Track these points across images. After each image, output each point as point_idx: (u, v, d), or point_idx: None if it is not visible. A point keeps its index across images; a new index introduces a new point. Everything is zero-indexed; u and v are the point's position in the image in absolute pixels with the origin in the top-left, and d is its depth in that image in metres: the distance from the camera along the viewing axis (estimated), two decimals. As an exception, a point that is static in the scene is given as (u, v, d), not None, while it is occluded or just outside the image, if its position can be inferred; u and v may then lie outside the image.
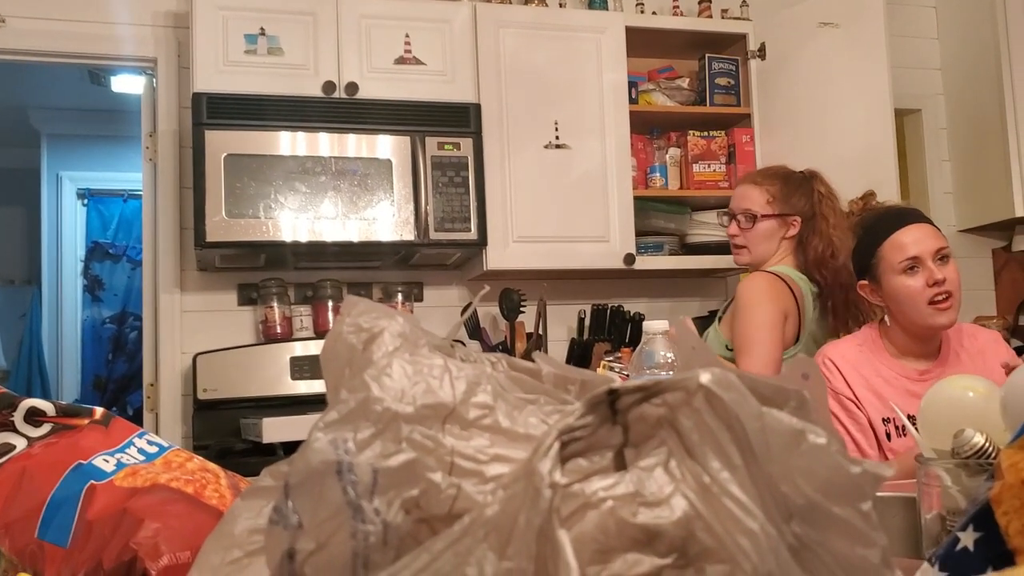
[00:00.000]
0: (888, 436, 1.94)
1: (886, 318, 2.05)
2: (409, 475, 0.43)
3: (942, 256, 1.96)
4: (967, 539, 0.61)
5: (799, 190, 2.42)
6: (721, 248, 3.40)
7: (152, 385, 3.28)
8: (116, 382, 5.59)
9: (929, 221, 2.03)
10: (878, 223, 2.04)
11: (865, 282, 2.04)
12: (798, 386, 0.49)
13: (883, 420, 1.96)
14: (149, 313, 3.33)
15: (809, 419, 0.46)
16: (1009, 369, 1.90)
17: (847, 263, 2.17)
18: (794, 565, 0.40)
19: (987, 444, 0.82)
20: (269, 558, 0.43)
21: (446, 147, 3.14)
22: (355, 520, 0.42)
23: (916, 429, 1.00)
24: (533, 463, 0.39)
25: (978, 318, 4.13)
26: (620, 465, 0.45)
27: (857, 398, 1.98)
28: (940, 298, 1.93)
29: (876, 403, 1.96)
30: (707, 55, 3.67)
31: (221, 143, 2.95)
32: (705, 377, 0.43)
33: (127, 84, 4.38)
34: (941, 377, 1.98)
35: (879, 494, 0.53)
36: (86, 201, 5.76)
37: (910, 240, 1.96)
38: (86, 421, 0.94)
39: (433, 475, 0.44)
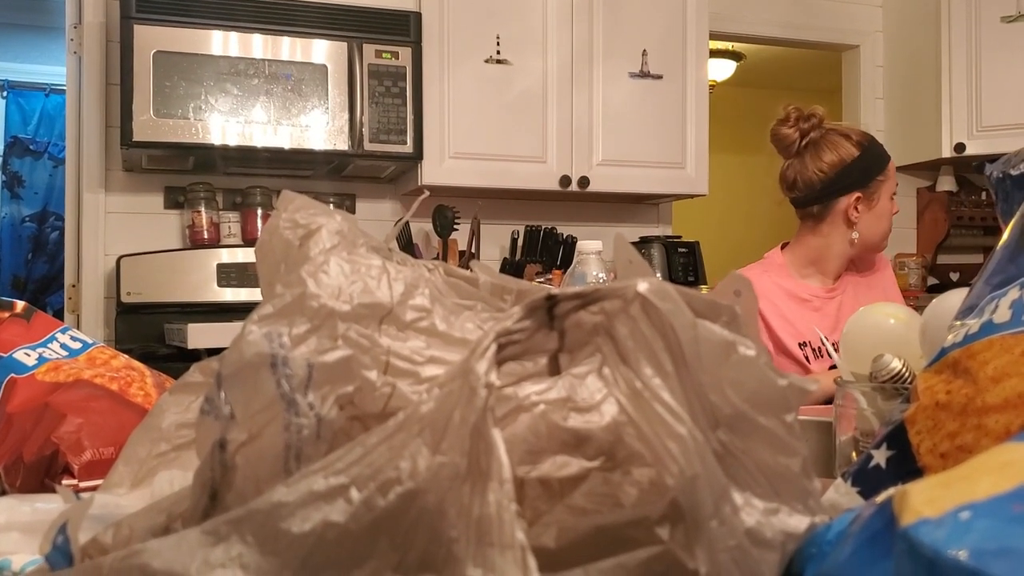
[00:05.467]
0: (807, 359, 2.00)
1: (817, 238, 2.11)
2: (344, 371, 0.43)
3: None
4: (880, 457, 0.63)
5: None
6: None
7: (74, 286, 3.21)
8: (36, 282, 5.46)
9: None
10: (878, 142, 2.13)
11: (860, 194, 2.07)
12: (730, 301, 0.50)
13: (799, 345, 2.01)
14: (72, 213, 3.24)
15: (740, 333, 0.47)
16: None
17: None
18: (719, 470, 0.41)
19: (904, 369, 0.85)
20: (200, 447, 0.43)
21: (384, 55, 3.07)
22: (288, 413, 0.41)
23: (835, 349, 1.03)
24: (470, 363, 0.40)
25: (899, 255, 4.25)
26: (555, 370, 0.45)
27: (771, 327, 2.03)
28: None
29: (789, 329, 2.01)
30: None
31: (150, 39, 2.84)
32: (643, 286, 0.43)
33: (51, -29, 4.19)
34: (847, 292, 2.08)
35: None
36: (5, 94, 5.52)
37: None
38: (7, 314, 0.92)
39: (368, 373, 0.44)
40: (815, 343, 1.99)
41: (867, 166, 2.06)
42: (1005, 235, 0.68)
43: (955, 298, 0.76)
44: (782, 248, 2.19)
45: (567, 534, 0.41)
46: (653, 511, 0.40)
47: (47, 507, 0.54)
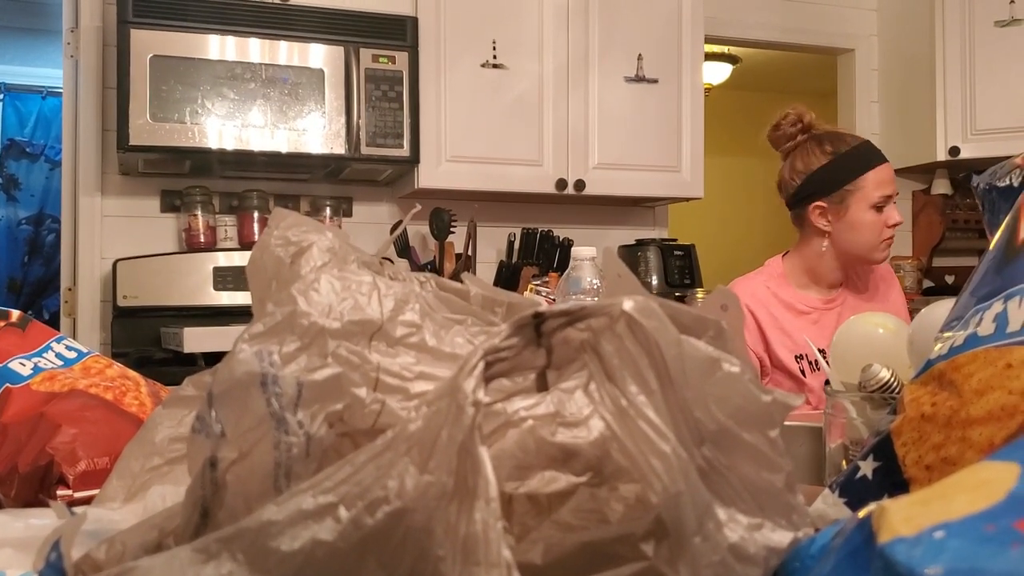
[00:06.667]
0: (803, 372, 1.99)
1: (814, 247, 2.09)
2: (334, 389, 0.44)
3: (894, 200, 2.04)
4: (866, 468, 0.64)
5: None
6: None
7: (70, 290, 3.21)
8: (32, 285, 5.45)
9: None
10: (863, 151, 2.03)
11: (823, 204, 2.02)
12: (717, 316, 0.50)
13: (795, 358, 2.00)
14: (68, 216, 3.24)
15: (725, 348, 0.47)
16: None
17: None
18: (702, 486, 0.42)
19: (892, 379, 0.86)
20: (191, 465, 0.43)
21: (381, 60, 3.08)
22: (278, 431, 0.42)
23: (827, 362, 1.03)
24: (457, 381, 0.40)
25: (894, 258, 4.26)
26: (542, 386, 0.46)
27: (767, 339, 2.02)
28: (889, 237, 2.03)
29: (786, 341, 2.00)
30: (649, -19, 3.64)
31: (147, 43, 2.84)
32: (628, 304, 0.44)
33: (47, -25, 4.19)
34: (846, 304, 2.07)
35: (787, 423, 0.56)
36: (2, 96, 5.52)
37: (888, 178, 2.01)
38: (2, 324, 0.92)
39: (358, 390, 0.45)
40: (812, 356, 1.98)
41: (831, 176, 2.01)
42: (991, 246, 0.69)
43: (942, 309, 0.77)
44: (783, 256, 2.17)
45: (554, 550, 0.41)
46: (638, 527, 0.41)
47: (41, 523, 0.54)
